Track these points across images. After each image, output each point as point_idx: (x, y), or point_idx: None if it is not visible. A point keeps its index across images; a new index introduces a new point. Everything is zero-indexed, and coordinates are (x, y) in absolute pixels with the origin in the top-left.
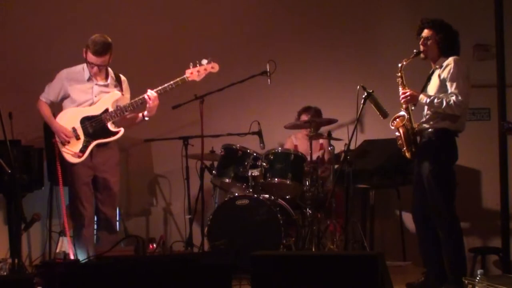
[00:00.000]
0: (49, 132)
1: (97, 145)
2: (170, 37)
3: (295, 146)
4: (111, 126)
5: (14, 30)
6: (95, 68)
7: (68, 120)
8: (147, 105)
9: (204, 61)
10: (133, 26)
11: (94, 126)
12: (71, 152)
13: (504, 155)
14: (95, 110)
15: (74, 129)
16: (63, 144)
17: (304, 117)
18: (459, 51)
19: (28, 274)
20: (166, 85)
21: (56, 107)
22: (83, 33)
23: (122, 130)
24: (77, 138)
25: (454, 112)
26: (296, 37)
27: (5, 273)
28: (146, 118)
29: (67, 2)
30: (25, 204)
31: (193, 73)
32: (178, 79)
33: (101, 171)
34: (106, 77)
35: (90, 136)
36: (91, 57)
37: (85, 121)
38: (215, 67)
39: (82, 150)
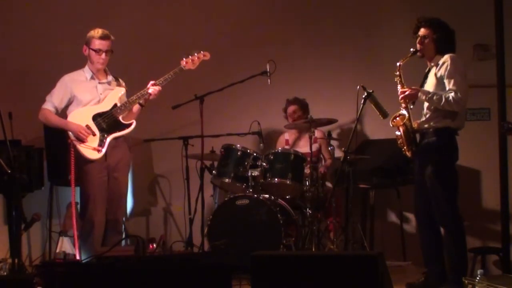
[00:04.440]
0: (49, 132)
1: (111, 146)
2: (169, 37)
3: (286, 140)
4: (122, 120)
5: (14, 30)
6: (103, 55)
7: (80, 119)
8: (149, 97)
9: (195, 52)
10: (132, 26)
11: (106, 121)
12: (90, 147)
13: (504, 155)
14: (104, 107)
15: (87, 127)
16: (81, 142)
17: (291, 109)
18: (455, 49)
19: (28, 274)
20: (166, 76)
21: (60, 116)
22: (83, 33)
23: (134, 122)
24: (93, 134)
25: (453, 109)
26: (296, 37)
27: (5, 273)
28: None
29: (67, 2)
30: (25, 204)
31: (188, 62)
32: (175, 69)
33: (114, 170)
34: (106, 75)
35: (104, 131)
36: (98, 43)
37: (97, 117)
38: (206, 55)
39: (100, 145)
